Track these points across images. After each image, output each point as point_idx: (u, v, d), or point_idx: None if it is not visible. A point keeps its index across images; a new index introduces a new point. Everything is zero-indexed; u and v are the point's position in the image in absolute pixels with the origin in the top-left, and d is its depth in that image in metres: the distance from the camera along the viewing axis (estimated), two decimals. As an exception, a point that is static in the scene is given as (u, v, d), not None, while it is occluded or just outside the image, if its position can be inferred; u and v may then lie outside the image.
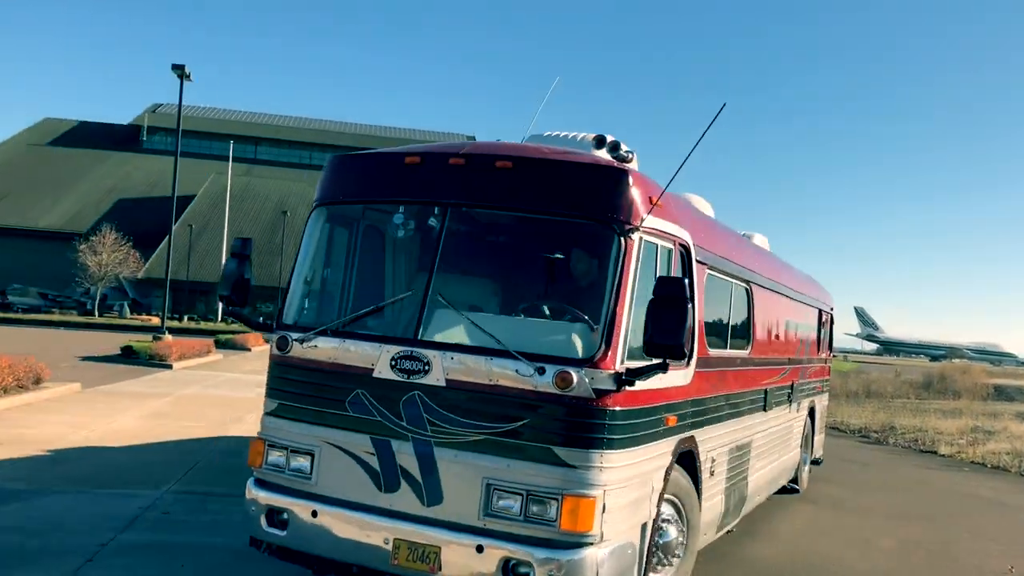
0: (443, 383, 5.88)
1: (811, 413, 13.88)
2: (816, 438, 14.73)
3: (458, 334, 5.98)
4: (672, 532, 6.96)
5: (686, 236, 6.81)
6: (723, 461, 8.37)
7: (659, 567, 6.84)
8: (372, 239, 6.78)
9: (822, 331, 14.41)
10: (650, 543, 6.39)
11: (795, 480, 13.20)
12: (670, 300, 5.50)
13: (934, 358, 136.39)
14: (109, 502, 9.55)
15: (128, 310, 69.41)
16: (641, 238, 6.00)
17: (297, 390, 6.41)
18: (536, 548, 5.56)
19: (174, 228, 40.24)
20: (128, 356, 29.77)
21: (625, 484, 5.91)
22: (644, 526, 6.32)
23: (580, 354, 5.73)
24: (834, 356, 17.84)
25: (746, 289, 9.01)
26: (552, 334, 6.00)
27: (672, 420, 6.65)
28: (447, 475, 5.85)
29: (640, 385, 5.99)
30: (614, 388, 5.67)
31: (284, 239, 69.66)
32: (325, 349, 6.28)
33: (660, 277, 5.67)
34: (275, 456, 6.41)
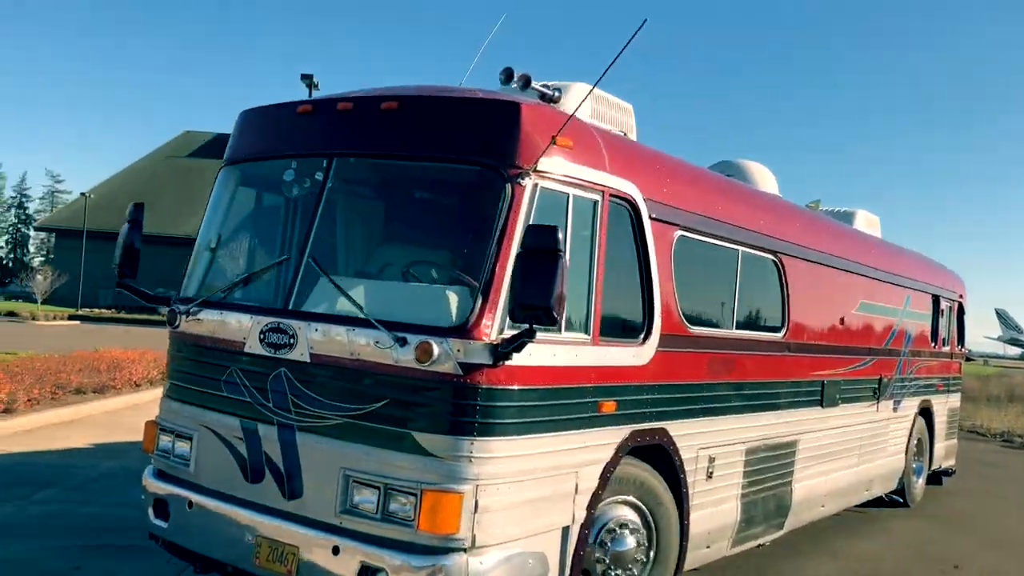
0: (307, 358, 5.11)
1: (925, 414, 12.00)
2: (939, 445, 12.75)
3: (328, 302, 5.19)
4: (629, 541, 5.83)
5: (628, 188, 5.69)
6: (734, 462, 7.09)
7: None
8: (272, 200, 6.10)
9: (940, 321, 12.44)
10: (577, 552, 5.34)
11: (901, 492, 11.41)
12: (540, 253, 4.48)
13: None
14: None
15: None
16: (537, 185, 4.98)
17: (183, 368, 5.84)
18: (392, 552, 4.67)
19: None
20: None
21: (520, 479, 4.90)
22: (566, 531, 5.29)
23: (449, 322, 4.79)
24: (971, 358, 15.56)
25: (774, 261, 7.65)
26: (425, 299, 5.10)
27: (610, 406, 5.55)
28: (307, 464, 5.07)
29: (548, 360, 4.99)
30: (489, 362, 4.69)
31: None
32: (207, 322, 5.65)
33: (530, 226, 4.64)
34: (164, 441, 5.85)
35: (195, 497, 5.50)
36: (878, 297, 9.94)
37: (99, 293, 56.52)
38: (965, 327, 13.78)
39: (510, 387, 4.82)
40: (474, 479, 4.68)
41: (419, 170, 5.34)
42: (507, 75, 5.63)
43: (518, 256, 4.56)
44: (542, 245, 4.46)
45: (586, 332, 5.34)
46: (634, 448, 5.89)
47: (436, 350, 4.65)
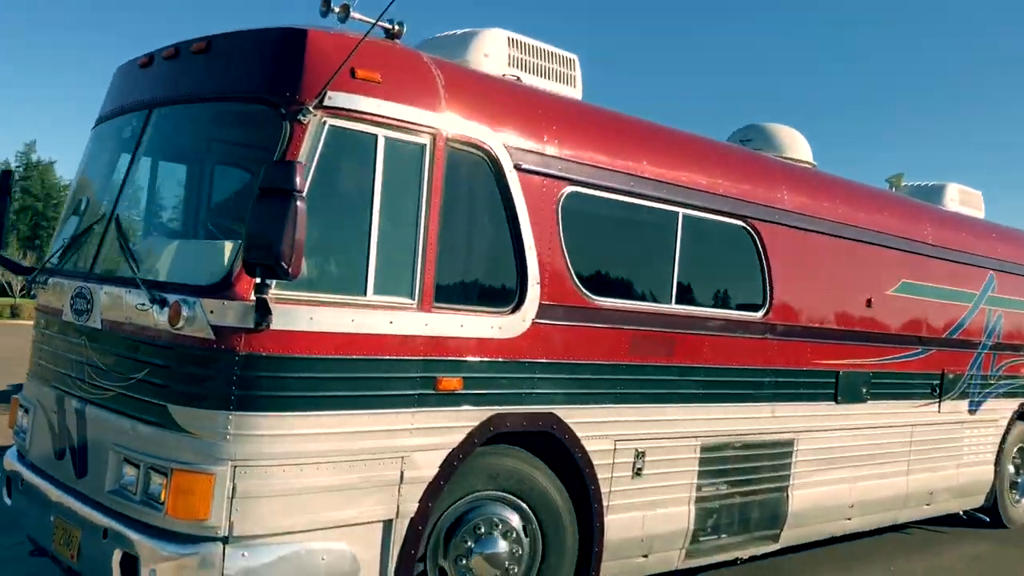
0: (99, 325, 4.69)
1: (1025, 419, 10.18)
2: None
3: (123, 265, 4.74)
4: (501, 544, 5.04)
5: (481, 132, 4.90)
6: (680, 459, 6.08)
7: None
8: (118, 160, 5.71)
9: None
10: (407, 551, 4.63)
11: (991, 509, 9.71)
12: (271, 195, 3.83)
13: None
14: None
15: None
16: (325, 123, 4.32)
17: (35, 339, 5.58)
18: (148, 538, 4.15)
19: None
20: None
21: (302, 462, 4.27)
22: (388, 526, 4.58)
23: (207, 280, 4.21)
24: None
25: (746, 229, 6.54)
26: (196, 255, 4.56)
27: (453, 383, 4.79)
28: (91, 439, 4.64)
29: (341, 327, 4.34)
30: (249, 326, 4.08)
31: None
32: (47, 291, 5.36)
33: (266, 165, 3.98)
34: (20, 416, 5.61)
35: (25, 474, 5.21)
36: (934, 277, 8.45)
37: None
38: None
39: (281, 355, 4.18)
40: (230, 459, 4.08)
41: (217, 115, 4.80)
42: (326, 5, 4.98)
43: (253, 199, 3.92)
44: (273, 184, 3.82)
45: (408, 296, 4.61)
46: (507, 435, 5.09)
47: (185, 312, 4.10)
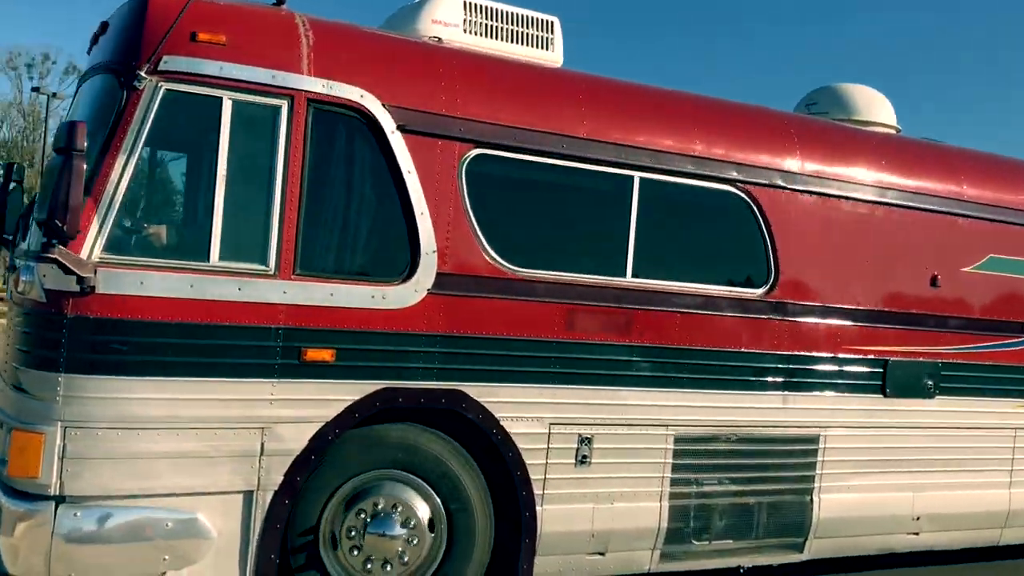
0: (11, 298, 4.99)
1: None
2: None
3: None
4: (396, 528, 4.80)
5: (353, 93, 4.69)
6: (646, 449, 5.50)
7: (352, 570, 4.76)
8: None
9: None
10: (272, 526, 4.53)
11: None
12: (58, 155, 3.89)
13: None
14: None
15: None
16: (160, 87, 4.32)
17: None
18: (3, 495, 4.34)
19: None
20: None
21: (139, 427, 4.29)
22: (249, 498, 4.51)
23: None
24: None
25: (740, 195, 5.77)
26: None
27: (323, 354, 4.62)
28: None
29: (179, 292, 4.34)
30: (76, 289, 4.16)
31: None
32: None
33: (62, 123, 4.02)
34: None
35: None
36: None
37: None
38: None
39: (108, 318, 4.23)
40: (60, 420, 4.18)
41: (94, 87, 4.86)
42: None
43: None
44: (57, 144, 3.88)
45: (262, 263, 4.50)
46: (405, 411, 4.85)
47: (24, 277, 4.27)
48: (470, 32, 5.73)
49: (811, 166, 6.06)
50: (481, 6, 5.82)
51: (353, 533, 4.75)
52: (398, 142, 4.78)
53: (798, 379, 5.99)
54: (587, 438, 5.31)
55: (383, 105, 4.76)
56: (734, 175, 5.76)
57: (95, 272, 4.15)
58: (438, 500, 4.93)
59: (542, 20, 6.02)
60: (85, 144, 3.94)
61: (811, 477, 6.08)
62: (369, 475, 4.84)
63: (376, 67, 4.84)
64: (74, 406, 4.19)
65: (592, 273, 5.36)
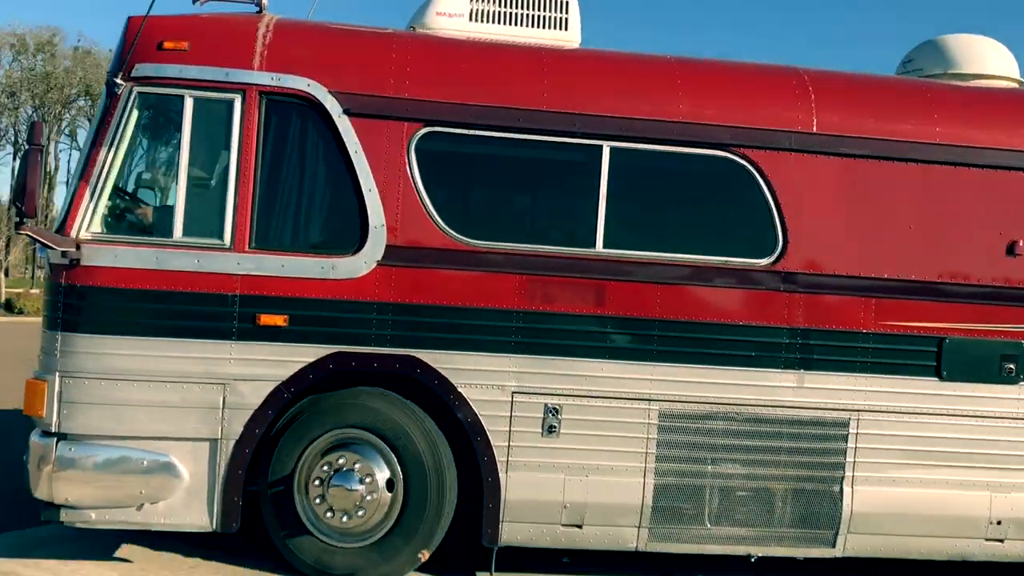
0: None
1: None
2: None
3: None
4: (354, 483, 5.20)
5: (300, 83, 5.16)
6: (625, 423, 5.39)
7: (317, 516, 5.22)
8: None
9: None
10: (233, 471, 5.14)
11: None
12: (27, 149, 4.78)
13: None
14: None
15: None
16: (133, 90, 5.10)
17: None
18: (34, 431, 5.35)
19: None
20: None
21: (116, 378, 5.07)
22: (215, 445, 5.16)
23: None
24: None
25: (734, 161, 5.45)
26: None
27: (276, 319, 5.14)
28: None
29: (145, 264, 5.09)
30: (65, 262, 5.05)
31: None
32: None
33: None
34: None
35: None
36: None
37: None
38: None
39: (90, 286, 5.07)
40: (58, 371, 5.08)
41: (102, 96, 5.67)
42: None
43: None
44: (26, 139, 4.76)
45: (218, 238, 5.12)
46: (375, 376, 5.24)
47: (40, 254, 5.23)
48: (476, 20, 5.97)
49: (830, 123, 5.58)
50: None
51: (319, 482, 5.21)
52: (345, 125, 5.20)
53: (818, 356, 5.53)
54: (555, 408, 5.34)
55: (329, 92, 5.20)
56: (729, 139, 5.47)
57: (78, 247, 5.00)
58: (396, 462, 5.23)
59: (555, 1, 6.10)
60: (43, 142, 4.80)
61: (840, 464, 5.56)
62: (340, 432, 5.27)
63: (324, 58, 5.30)
64: (68, 359, 5.07)
65: (557, 244, 5.38)
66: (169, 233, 5.11)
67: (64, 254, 4.99)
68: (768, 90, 5.70)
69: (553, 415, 5.34)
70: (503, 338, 5.30)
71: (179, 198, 5.12)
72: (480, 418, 5.28)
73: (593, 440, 5.38)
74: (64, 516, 5.11)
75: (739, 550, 5.57)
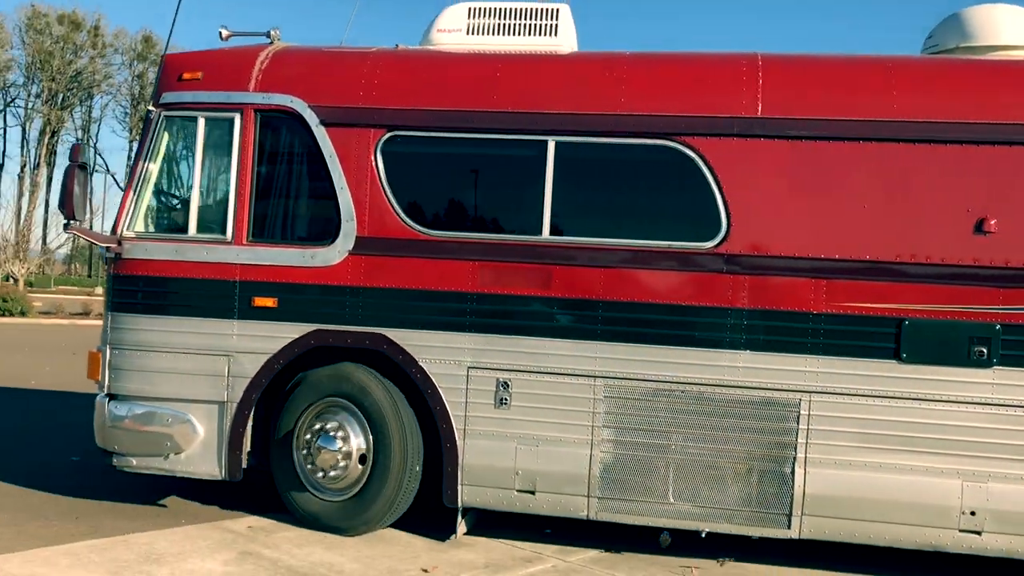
0: None
1: None
2: None
3: None
4: (336, 443, 6.01)
5: (285, 100, 6.06)
6: (570, 397, 5.78)
7: (308, 474, 6.08)
8: None
9: None
10: (236, 429, 6.12)
11: None
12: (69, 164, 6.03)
13: None
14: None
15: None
16: (161, 115, 6.25)
17: None
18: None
19: None
20: None
21: (146, 349, 6.20)
22: (222, 407, 6.17)
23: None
24: None
25: (675, 149, 5.68)
26: None
27: (267, 302, 6.07)
28: None
29: (166, 256, 6.20)
30: (113, 256, 6.29)
31: None
32: None
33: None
34: None
35: None
36: None
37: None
38: None
39: (128, 274, 6.27)
40: (108, 344, 6.33)
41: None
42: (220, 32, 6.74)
43: None
44: (68, 157, 6.02)
45: (222, 233, 6.13)
46: (346, 350, 6.04)
47: (100, 250, 6.52)
48: (473, 33, 6.63)
49: (776, 106, 5.67)
50: (482, 8, 6.65)
51: (309, 438, 6.06)
52: (321, 134, 6.04)
53: (764, 337, 5.62)
54: (505, 382, 5.84)
55: (309, 105, 6.07)
56: (670, 128, 5.73)
57: (119, 243, 6.21)
58: (363, 418, 5.98)
59: (546, 10, 6.61)
60: (81, 159, 6.03)
61: (791, 445, 5.60)
62: (329, 400, 6.10)
63: (306, 77, 6.17)
64: (115, 333, 6.29)
65: (506, 233, 5.90)
66: (186, 230, 6.19)
67: (108, 249, 6.22)
68: (713, 78, 5.87)
69: (504, 388, 5.85)
70: (459, 318, 5.89)
71: (193, 201, 6.20)
72: (439, 390, 5.89)
73: (541, 412, 5.81)
74: (116, 461, 6.32)
75: (689, 525, 5.75)
